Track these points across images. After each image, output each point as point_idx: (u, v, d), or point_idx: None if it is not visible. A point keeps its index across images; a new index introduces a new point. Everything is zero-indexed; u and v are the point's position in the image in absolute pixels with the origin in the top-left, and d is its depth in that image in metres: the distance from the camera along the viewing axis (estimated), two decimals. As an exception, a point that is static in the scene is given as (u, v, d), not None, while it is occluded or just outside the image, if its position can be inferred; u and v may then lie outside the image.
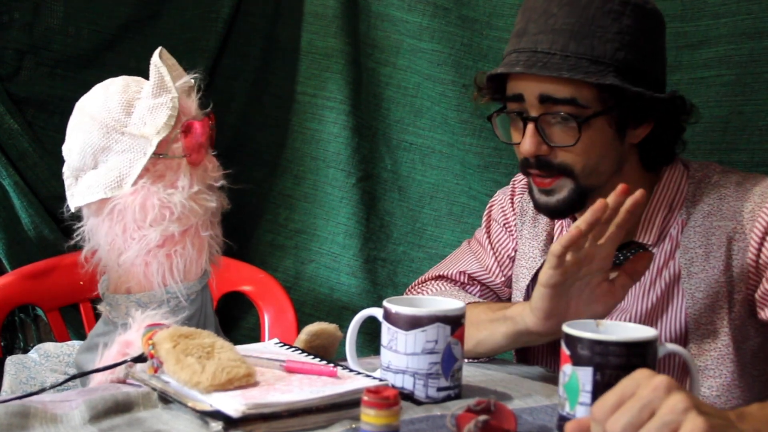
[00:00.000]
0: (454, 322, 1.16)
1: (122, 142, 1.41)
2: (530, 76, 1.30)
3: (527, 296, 1.51)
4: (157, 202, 1.39)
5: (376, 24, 2.20)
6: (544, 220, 1.51)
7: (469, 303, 1.43)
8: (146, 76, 1.49)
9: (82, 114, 1.45)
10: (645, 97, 1.28)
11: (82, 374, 1.33)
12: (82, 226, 1.46)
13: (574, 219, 1.47)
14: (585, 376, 0.99)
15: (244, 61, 2.33)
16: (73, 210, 1.46)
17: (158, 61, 1.41)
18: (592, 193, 1.34)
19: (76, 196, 1.45)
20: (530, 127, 1.31)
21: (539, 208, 1.38)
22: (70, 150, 1.46)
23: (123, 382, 1.27)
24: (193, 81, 1.46)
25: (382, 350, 1.19)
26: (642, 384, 0.87)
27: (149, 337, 1.16)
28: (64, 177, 1.49)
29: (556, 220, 1.50)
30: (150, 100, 1.41)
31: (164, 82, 1.41)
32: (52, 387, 1.23)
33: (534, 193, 1.38)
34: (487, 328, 1.34)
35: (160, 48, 1.42)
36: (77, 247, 1.48)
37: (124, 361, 1.23)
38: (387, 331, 1.18)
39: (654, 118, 1.34)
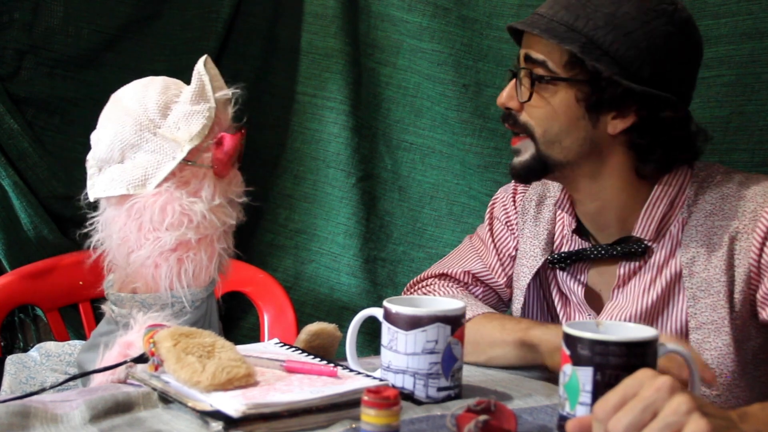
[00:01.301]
0: (454, 322, 1.16)
1: (153, 142, 1.40)
2: (526, 37, 1.39)
3: (528, 295, 1.51)
4: (178, 208, 1.38)
5: (376, 24, 2.20)
6: (545, 219, 1.52)
7: (480, 315, 1.44)
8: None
9: (117, 106, 1.45)
10: (602, 77, 1.30)
11: (82, 375, 1.33)
12: (96, 216, 1.45)
13: (574, 217, 1.47)
14: (585, 376, 0.98)
15: (244, 61, 2.33)
16: (91, 200, 1.46)
17: (202, 69, 1.41)
18: (558, 167, 1.38)
19: (96, 187, 1.45)
20: (512, 81, 1.39)
21: (509, 170, 1.44)
22: (99, 140, 1.45)
23: (123, 382, 1.27)
24: (231, 94, 1.46)
25: (382, 350, 1.19)
26: (645, 384, 0.87)
27: (150, 336, 1.16)
28: (87, 165, 1.48)
29: (557, 220, 1.50)
30: (187, 106, 1.41)
31: (205, 90, 1.41)
32: (52, 387, 1.23)
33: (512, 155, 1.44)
34: (502, 347, 1.37)
35: (205, 56, 1.43)
36: (83, 244, 1.47)
37: (125, 362, 1.23)
38: (387, 331, 1.18)
39: (634, 112, 1.33)
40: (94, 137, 1.46)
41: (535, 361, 1.33)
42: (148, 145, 1.40)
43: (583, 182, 1.40)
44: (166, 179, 1.39)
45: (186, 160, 1.40)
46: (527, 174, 1.41)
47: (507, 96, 1.39)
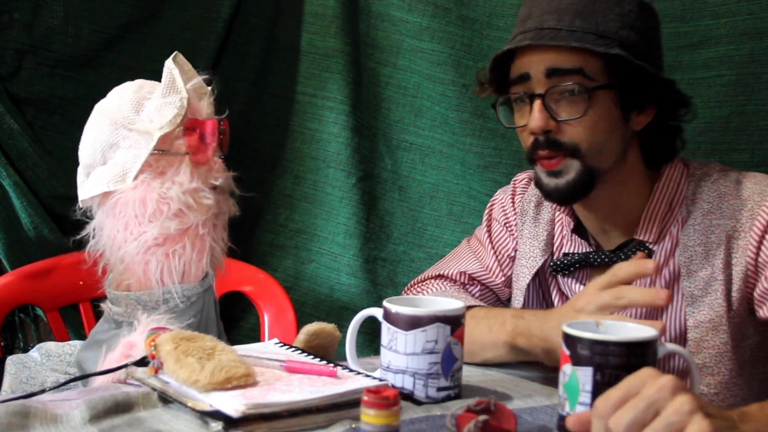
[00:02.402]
0: (454, 322, 1.16)
1: (129, 138, 1.41)
2: (537, 53, 1.31)
3: (527, 295, 1.51)
4: (156, 197, 1.39)
5: (376, 24, 2.20)
6: (544, 219, 1.52)
7: (469, 309, 1.43)
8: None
9: (96, 114, 1.47)
10: (648, 74, 1.30)
11: (83, 377, 1.34)
12: (90, 222, 1.46)
13: (572, 216, 1.47)
14: (585, 376, 0.98)
15: (244, 61, 2.33)
16: (80, 204, 1.47)
17: (171, 64, 1.42)
18: (601, 176, 1.34)
19: (84, 191, 1.46)
20: (537, 103, 1.31)
21: (549, 195, 1.36)
22: (84, 147, 1.47)
23: (123, 382, 1.27)
24: (207, 87, 1.46)
25: (382, 350, 1.19)
26: (648, 383, 0.87)
27: (152, 340, 1.16)
28: (78, 175, 1.49)
29: (556, 221, 1.50)
30: (159, 100, 1.42)
31: (175, 83, 1.41)
32: (53, 388, 1.23)
33: (542, 180, 1.36)
34: (494, 350, 1.36)
35: (175, 52, 1.43)
36: (81, 246, 1.47)
37: (126, 365, 1.23)
38: (387, 331, 1.18)
39: (656, 105, 1.35)
40: (80, 147, 1.48)
41: (530, 359, 1.33)
42: (125, 142, 1.41)
43: (606, 187, 1.36)
44: (142, 171, 1.40)
45: (160, 150, 1.40)
46: (579, 191, 1.34)
47: (542, 118, 1.30)
